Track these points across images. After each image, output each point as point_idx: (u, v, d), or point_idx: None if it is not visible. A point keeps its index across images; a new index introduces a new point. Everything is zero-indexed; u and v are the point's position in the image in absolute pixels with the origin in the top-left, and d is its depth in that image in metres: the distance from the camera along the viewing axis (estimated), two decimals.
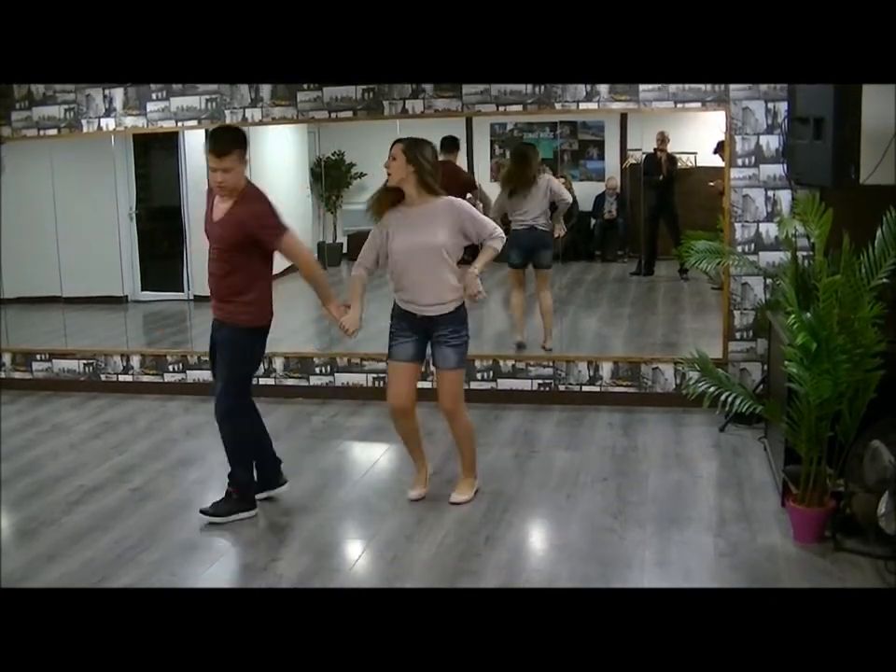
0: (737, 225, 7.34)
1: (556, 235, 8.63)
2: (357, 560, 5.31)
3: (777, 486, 5.79)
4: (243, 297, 5.67)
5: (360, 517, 5.91)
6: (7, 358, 9.38)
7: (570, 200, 8.82)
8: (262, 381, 8.48)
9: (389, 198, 5.74)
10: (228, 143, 5.53)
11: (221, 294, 5.73)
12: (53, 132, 8.83)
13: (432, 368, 5.97)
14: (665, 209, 9.22)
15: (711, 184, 8.05)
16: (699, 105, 7.32)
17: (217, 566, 5.24)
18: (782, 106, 7.06)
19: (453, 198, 5.73)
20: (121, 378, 9.04)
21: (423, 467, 6.14)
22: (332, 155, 9.81)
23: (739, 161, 7.29)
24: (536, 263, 8.62)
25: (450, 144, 8.76)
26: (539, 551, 5.41)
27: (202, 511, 5.81)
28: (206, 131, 7.95)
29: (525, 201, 8.47)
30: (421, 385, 5.98)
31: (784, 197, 7.20)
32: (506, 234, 5.84)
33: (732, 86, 7.17)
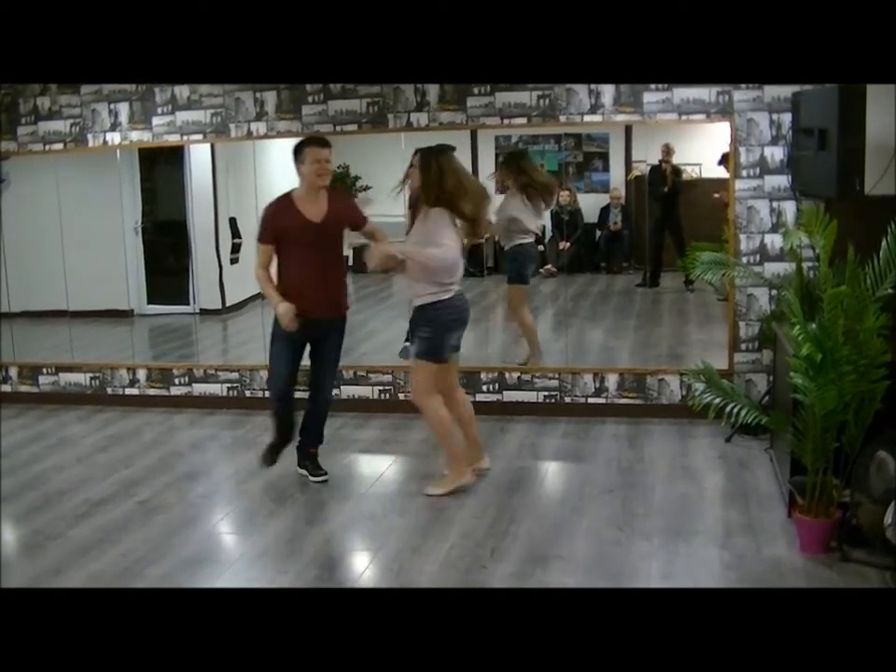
0: (742, 236, 7.34)
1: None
2: (364, 573, 5.30)
3: (783, 497, 5.79)
4: (344, 286, 6.58)
5: (366, 530, 5.91)
6: (13, 372, 9.39)
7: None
8: (268, 394, 8.50)
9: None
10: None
11: (336, 289, 6.45)
12: (59, 146, 8.84)
13: None
14: (670, 221, 9.23)
15: (717, 195, 8.03)
16: (704, 116, 7.32)
17: (223, 579, 5.23)
18: (786, 118, 7.06)
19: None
20: (127, 391, 9.05)
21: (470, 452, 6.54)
22: (337, 168, 9.81)
23: (744, 173, 7.28)
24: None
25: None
26: (544, 563, 5.38)
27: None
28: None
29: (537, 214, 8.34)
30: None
31: (789, 208, 7.21)
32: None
33: (736, 97, 7.17)
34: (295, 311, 6.11)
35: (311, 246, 6.17)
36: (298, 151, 6.23)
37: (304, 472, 6.70)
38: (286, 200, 6.25)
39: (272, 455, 6.59)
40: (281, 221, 6.19)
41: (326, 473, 6.65)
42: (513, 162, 8.48)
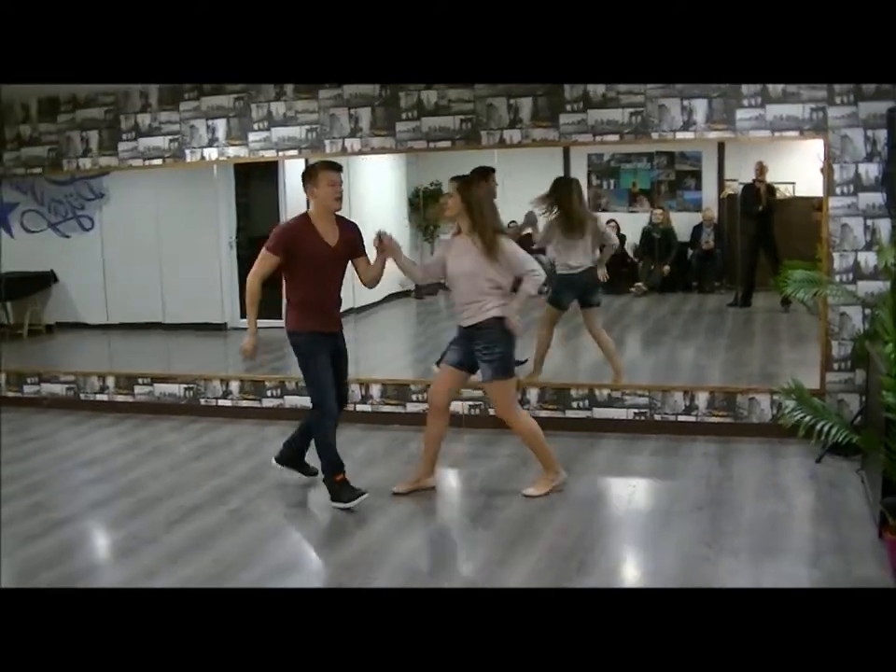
0: (836, 254, 7.27)
1: (602, 279, 8.44)
2: (450, 584, 5.33)
3: (875, 518, 5.70)
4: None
5: (454, 542, 5.95)
6: (110, 381, 9.58)
7: (617, 243, 8.67)
8: (359, 407, 8.57)
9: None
10: None
11: (339, 306, 6.70)
12: (158, 161, 9.04)
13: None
14: (764, 240, 9.13)
15: (816, 209, 7.82)
16: (797, 133, 7.27)
17: (311, 587, 5.29)
18: (882, 134, 6.97)
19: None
20: (220, 402, 9.20)
21: (423, 469, 6.76)
22: (430, 185, 9.89)
23: (838, 190, 7.22)
24: (585, 303, 8.42)
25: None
26: (631, 578, 5.39)
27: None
28: (306, 161, 8.17)
29: (578, 243, 8.24)
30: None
31: (883, 226, 7.11)
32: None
33: (830, 114, 7.11)
34: (312, 328, 6.47)
35: (325, 267, 6.43)
36: (311, 174, 6.40)
37: (286, 468, 6.94)
38: (306, 220, 6.43)
39: (351, 488, 6.50)
40: (300, 241, 6.34)
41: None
42: (561, 191, 8.38)
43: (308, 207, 6.56)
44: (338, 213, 6.46)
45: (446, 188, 6.46)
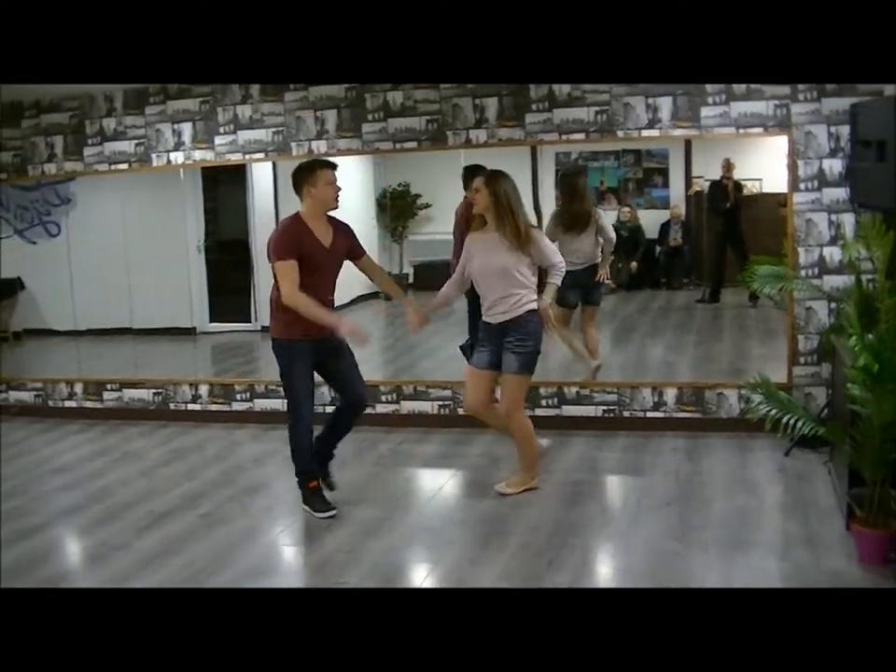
0: (801, 249, 7.31)
1: (601, 279, 8.42)
2: (422, 583, 5.33)
3: (842, 509, 5.74)
4: None
5: (426, 542, 5.94)
6: (79, 388, 9.54)
7: (614, 238, 8.62)
8: (329, 409, 8.56)
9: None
10: None
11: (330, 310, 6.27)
12: (124, 166, 9.00)
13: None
14: (732, 236, 9.17)
15: (783, 205, 7.84)
16: (761, 129, 7.31)
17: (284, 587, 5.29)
18: (845, 130, 7.04)
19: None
20: (190, 407, 9.17)
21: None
22: (398, 186, 9.90)
23: (802, 186, 7.27)
24: (587, 300, 8.45)
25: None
26: (602, 574, 5.42)
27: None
28: (274, 164, 8.16)
29: (580, 238, 8.24)
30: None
31: (847, 220, 7.16)
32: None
33: (794, 110, 7.16)
34: (305, 335, 6.11)
35: (320, 270, 6.11)
36: (309, 173, 6.12)
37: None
38: (299, 221, 6.13)
39: (323, 499, 6.43)
40: (301, 242, 6.04)
41: (336, 487, 6.66)
42: (569, 182, 8.49)
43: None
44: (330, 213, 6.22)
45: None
